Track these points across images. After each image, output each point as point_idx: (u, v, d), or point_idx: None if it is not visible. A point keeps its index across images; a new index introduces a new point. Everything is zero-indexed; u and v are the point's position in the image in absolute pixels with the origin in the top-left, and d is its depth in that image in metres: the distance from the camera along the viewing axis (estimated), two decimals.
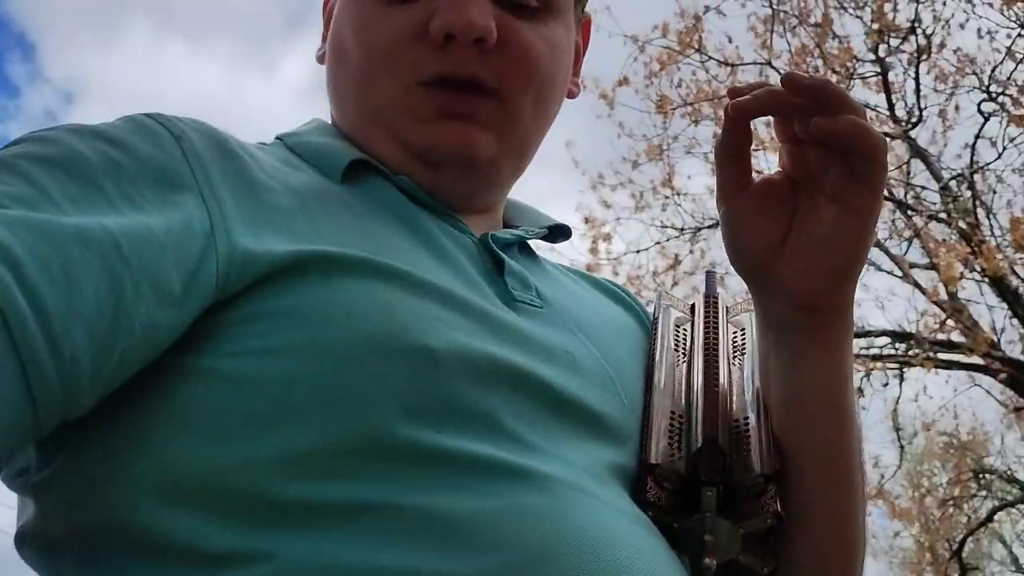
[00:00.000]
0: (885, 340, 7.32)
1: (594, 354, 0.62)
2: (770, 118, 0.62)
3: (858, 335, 7.10)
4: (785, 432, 0.63)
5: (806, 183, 0.61)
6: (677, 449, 0.61)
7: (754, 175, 0.63)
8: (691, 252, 7.32)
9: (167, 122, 0.56)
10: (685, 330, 0.75)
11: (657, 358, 0.70)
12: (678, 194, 7.17)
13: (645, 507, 0.56)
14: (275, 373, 0.49)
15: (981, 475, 9.35)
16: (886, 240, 7.02)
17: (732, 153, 0.62)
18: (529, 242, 0.73)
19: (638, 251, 7.17)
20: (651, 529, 0.55)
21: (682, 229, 7.25)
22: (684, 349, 0.72)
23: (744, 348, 0.71)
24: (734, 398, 0.66)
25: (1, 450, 0.42)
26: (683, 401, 0.65)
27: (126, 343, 0.46)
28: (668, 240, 7.25)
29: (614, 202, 7.29)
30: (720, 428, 0.61)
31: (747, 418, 0.64)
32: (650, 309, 0.80)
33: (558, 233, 0.76)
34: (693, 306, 0.78)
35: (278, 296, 0.50)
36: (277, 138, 0.70)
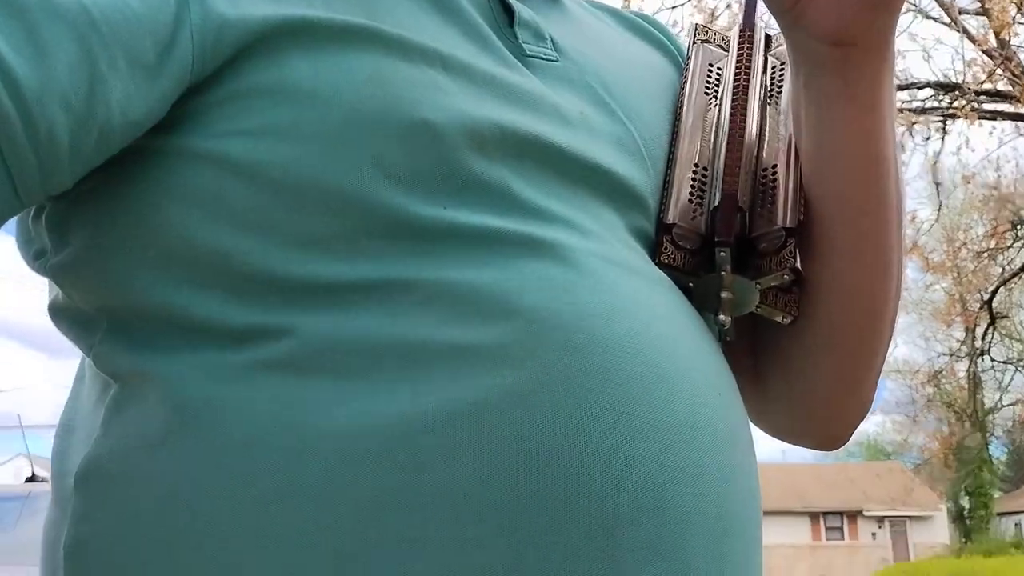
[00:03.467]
0: (928, 92, 7.09)
1: (613, 110, 0.59)
2: None
3: (900, 88, 6.87)
4: (813, 183, 0.59)
5: None
6: (698, 205, 0.58)
7: None
8: (728, 7, 6.98)
9: None
10: (720, 69, 0.68)
11: (685, 105, 0.65)
12: None
13: (660, 269, 0.55)
14: (266, 156, 0.47)
15: (1019, 226, 9.32)
16: None
17: None
18: None
19: (673, 7, 6.85)
20: (671, 291, 0.54)
21: None
22: (715, 92, 0.66)
23: (783, 83, 0.65)
24: (764, 144, 0.62)
25: None
26: (709, 151, 0.61)
27: (103, 119, 0.44)
28: None
29: None
30: (742, 181, 0.58)
31: (775, 166, 0.60)
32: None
33: None
34: (731, 39, 0.70)
35: (260, 71, 0.47)
36: None
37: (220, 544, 0.44)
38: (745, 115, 0.62)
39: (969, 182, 10.74)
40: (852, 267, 0.60)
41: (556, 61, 0.59)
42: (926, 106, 7.32)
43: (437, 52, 0.51)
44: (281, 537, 0.44)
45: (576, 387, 0.46)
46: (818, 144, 0.59)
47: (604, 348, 0.47)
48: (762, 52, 0.68)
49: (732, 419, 0.52)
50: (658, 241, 0.57)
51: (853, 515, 28.41)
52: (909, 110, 6.92)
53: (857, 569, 24.92)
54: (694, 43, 0.70)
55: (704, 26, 0.72)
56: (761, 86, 0.65)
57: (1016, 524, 27.06)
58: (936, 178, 10.56)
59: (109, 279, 0.50)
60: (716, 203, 0.58)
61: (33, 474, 4.08)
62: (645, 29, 0.73)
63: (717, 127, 0.63)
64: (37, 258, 0.53)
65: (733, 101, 0.63)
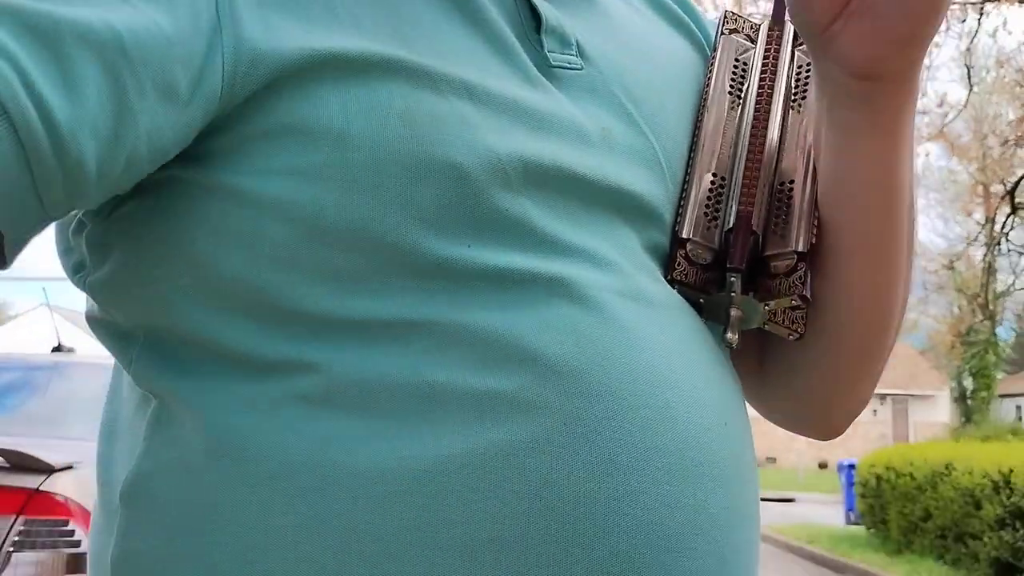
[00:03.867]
0: None
1: (635, 120, 0.59)
2: None
3: None
4: (828, 204, 0.60)
5: None
6: (713, 217, 0.59)
7: None
8: None
9: None
10: (745, 64, 0.67)
11: (707, 103, 0.65)
12: None
13: (671, 285, 0.56)
14: (296, 196, 0.48)
15: None
16: None
17: None
18: None
19: None
20: (683, 316, 0.55)
21: None
22: (739, 91, 0.66)
23: (808, 84, 0.65)
24: (784, 154, 0.62)
25: (14, 240, 0.44)
26: (728, 159, 0.62)
27: (131, 147, 0.45)
28: None
29: None
30: (758, 200, 0.59)
31: (792, 181, 0.61)
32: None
33: None
34: (760, 30, 0.69)
35: (291, 107, 0.48)
36: None
37: (257, 569, 0.48)
38: (767, 126, 0.62)
39: (1003, 66, 10.44)
40: (861, 288, 0.61)
41: (580, 69, 0.58)
42: None
43: (463, 81, 0.51)
44: (311, 567, 0.47)
45: (591, 434, 0.49)
46: (836, 167, 0.60)
47: (618, 395, 0.50)
48: (790, 46, 0.67)
49: (737, 451, 0.55)
50: (672, 256, 0.58)
51: None
52: None
53: (855, 443, 25.55)
54: (721, 33, 0.69)
55: (733, 14, 0.71)
56: (786, 88, 0.65)
57: (1017, 406, 27.53)
58: (969, 61, 10.26)
59: (144, 301, 0.52)
60: (731, 223, 0.59)
61: (59, 343, 4.16)
62: (673, 12, 0.71)
63: (738, 134, 0.63)
64: (77, 271, 0.55)
65: (756, 109, 0.63)
